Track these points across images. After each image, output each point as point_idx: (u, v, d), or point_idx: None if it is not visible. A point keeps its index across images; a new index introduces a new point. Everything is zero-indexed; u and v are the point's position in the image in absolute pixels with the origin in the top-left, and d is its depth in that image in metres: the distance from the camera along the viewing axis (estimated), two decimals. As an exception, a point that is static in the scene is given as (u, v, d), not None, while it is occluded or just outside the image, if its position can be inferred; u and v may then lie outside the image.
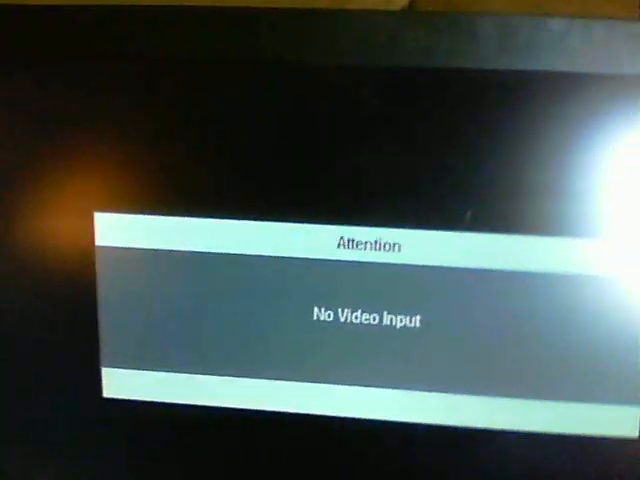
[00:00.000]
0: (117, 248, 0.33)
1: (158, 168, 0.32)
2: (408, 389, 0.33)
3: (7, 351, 0.35)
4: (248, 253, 0.32)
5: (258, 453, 0.35)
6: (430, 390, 0.33)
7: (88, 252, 0.33)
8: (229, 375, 0.34)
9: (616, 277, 0.31)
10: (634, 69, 0.28)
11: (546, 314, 0.32)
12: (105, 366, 0.34)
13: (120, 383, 0.35)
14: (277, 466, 0.35)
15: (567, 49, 0.28)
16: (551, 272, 0.31)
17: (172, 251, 0.32)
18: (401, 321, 0.32)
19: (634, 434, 0.33)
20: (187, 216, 0.32)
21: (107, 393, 0.35)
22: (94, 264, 0.33)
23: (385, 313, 0.32)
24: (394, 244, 0.31)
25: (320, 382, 0.33)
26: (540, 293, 0.31)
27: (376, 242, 0.31)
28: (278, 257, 0.32)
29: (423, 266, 0.31)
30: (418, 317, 0.32)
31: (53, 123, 0.32)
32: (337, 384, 0.33)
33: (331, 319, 0.32)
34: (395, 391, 0.33)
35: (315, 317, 0.33)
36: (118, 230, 0.32)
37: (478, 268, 0.31)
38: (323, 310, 0.32)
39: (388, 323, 0.32)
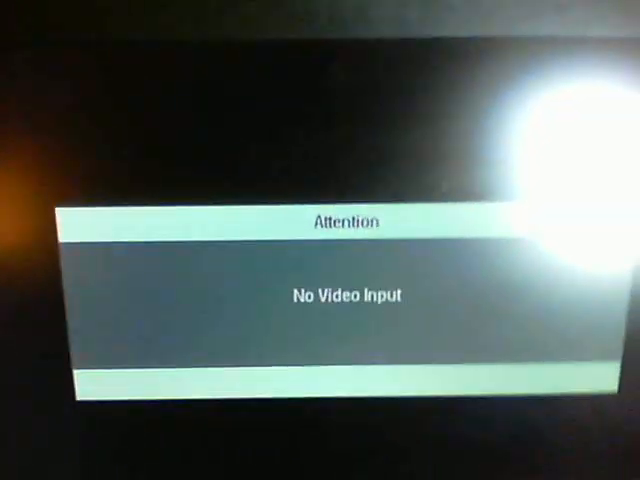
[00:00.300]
0: (82, 244, 0.31)
1: (121, 156, 0.30)
2: (393, 363, 0.33)
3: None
4: (223, 239, 0.31)
5: (247, 442, 0.34)
6: (415, 362, 0.33)
7: (51, 250, 0.31)
8: (210, 366, 0.33)
9: (580, 236, 0.31)
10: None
11: (520, 278, 0.32)
12: (77, 368, 0.33)
13: (94, 384, 0.33)
14: (269, 453, 0.34)
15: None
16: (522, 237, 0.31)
17: (142, 243, 0.31)
18: (382, 296, 0.32)
19: (613, 389, 0.34)
20: (156, 205, 0.30)
21: (81, 396, 0.33)
22: (58, 262, 0.31)
23: (366, 290, 0.32)
24: (372, 219, 0.31)
25: (305, 365, 0.33)
26: (512, 258, 0.32)
27: (354, 219, 0.31)
28: (255, 241, 0.31)
29: (401, 239, 0.31)
30: (399, 291, 0.32)
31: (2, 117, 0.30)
32: (322, 365, 0.33)
33: (312, 300, 0.32)
34: (381, 367, 0.33)
35: (295, 299, 0.32)
36: (82, 224, 0.31)
37: (454, 238, 0.31)
38: (303, 292, 0.32)
39: (369, 299, 0.32)
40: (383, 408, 0.33)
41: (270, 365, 0.33)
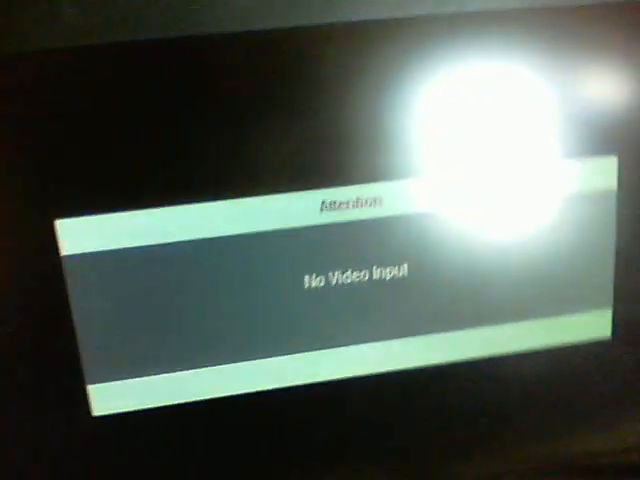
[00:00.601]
0: (85, 254, 0.30)
1: (117, 160, 0.30)
2: (406, 336, 0.34)
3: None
4: (230, 234, 0.31)
5: (274, 432, 0.34)
6: (427, 333, 0.34)
7: (54, 265, 0.30)
8: (228, 362, 0.33)
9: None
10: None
11: (515, 242, 0.34)
12: (91, 383, 0.32)
13: (109, 397, 0.32)
14: (296, 440, 0.35)
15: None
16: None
17: (147, 246, 0.31)
18: (390, 272, 0.33)
19: (607, 335, 0.36)
20: (159, 207, 0.30)
21: (97, 411, 0.32)
22: (63, 276, 0.30)
23: (374, 268, 0.32)
24: (375, 198, 0.31)
25: (321, 349, 0.33)
26: (504, 223, 0.33)
27: (357, 200, 0.31)
28: (263, 232, 0.31)
29: (404, 215, 0.32)
30: (405, 265, 0.33)
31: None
32: (338, 347, 0.33)
33: (322, 284, 0.32)
34: (394, 341, 0.34)
35: (306, 285, 0.32)
36: (83, 235, 0.30)
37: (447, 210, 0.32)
38: (314, 277, 0.32)
39: (378, 277, 0.33)
40: (402, 380, 0.34)
41: (288, 353, 0.33)
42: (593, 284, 0.35)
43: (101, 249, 0.30)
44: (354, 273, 0.32)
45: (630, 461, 0.40)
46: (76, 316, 0.31)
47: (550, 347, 0.36)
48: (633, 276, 0.35)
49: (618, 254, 0.34)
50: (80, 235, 0.30)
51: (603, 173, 0.33)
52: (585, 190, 0.33)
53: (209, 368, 0.32)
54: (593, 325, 0.36)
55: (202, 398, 0.33)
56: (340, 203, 0.31)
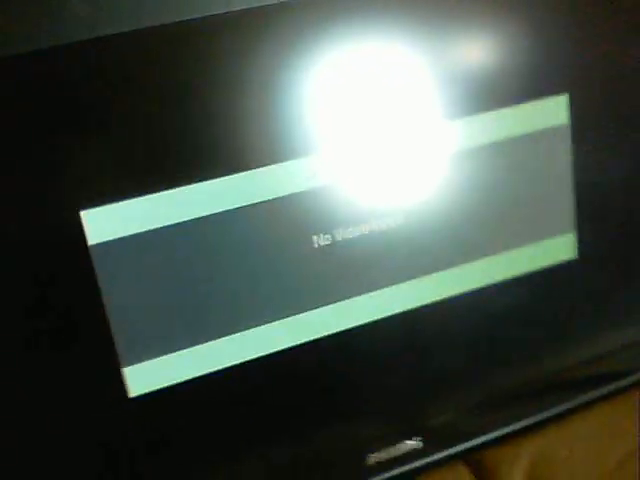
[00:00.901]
0: (111, 242, 0.32)
1: (132, 146, 0.32)
2: (412, 278, 0.37)
3: (23, 377, 0.32)
4: (244, 204, 0.33)
5: (308, 385, 0.37)
6: (426, 273, 0.38)
7: (82, 255, 0.31)
8: (253, 327, 0.35)
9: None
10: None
11: (485, 184, 0.38)
12: (126, 365, 0.33)
13: (144, 377, 0.34)
14: (321, 392, 0.37)
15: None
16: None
17: (170, 225, 0.33)
18: (387, 223, 0.36)
19: (573, 255, 0.41)
20: (175, 187, 0.32)
21: (134, 391, 0.34)
22: (92, 265, 0.32)
23: (373, 221, 0.36)
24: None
25: (336, 301, 0.36)
26: (483, 167, 0.37)
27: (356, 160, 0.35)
28: (273, 199, 0.34)
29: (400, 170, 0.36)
30: (400, 215, 0.36)
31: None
32: (349, 298, 0.36)
33: (330, 242, 0.35)
34: (404, 284, 0.37)
35: (315, 245, 0.35)
36: (108, 222, 0.32)
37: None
38: (322, 236, 0.35)
39: (377, 228, 0.36)
40: (410, 321, 0.38)
41: (307, 310, 0.36)
42: (557, 211, 0.40)
43: (126, 234, 0.32)
44: (357, 228, 0.35)
45: (603, 370, 0.45)
46: (107, 301, 0.32)
47: (526, 273, 0.40)
48: (591, 201, 0.40)
49: (576, 182, 0.39)
50: (104, 223, 0.32)
51: (556, 110, 0.38)
52: (540, 127, 0.38)
53: (237, 334, 0.35)
54: (561, 248, 0.41)
55: (236, 363, 0.35)
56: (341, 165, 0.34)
